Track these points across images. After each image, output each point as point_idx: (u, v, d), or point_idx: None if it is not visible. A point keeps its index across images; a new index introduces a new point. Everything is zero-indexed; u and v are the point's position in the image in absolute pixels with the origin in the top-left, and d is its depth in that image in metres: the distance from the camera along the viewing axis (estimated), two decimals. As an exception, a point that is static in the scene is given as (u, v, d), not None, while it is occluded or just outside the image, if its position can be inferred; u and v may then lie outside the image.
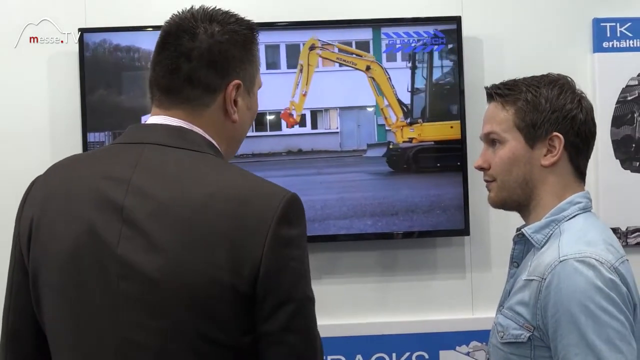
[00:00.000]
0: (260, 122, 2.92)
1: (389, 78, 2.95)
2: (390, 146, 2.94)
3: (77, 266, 1.31)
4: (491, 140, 1.73)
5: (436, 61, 2.94)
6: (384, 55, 2.94)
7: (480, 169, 1.75)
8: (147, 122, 1.42)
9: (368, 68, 2.94)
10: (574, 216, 1.65)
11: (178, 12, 1.43)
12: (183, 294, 1.25)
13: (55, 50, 2.91)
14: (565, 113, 1.66)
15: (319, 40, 2.93)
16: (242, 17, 1.46)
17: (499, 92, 1.71)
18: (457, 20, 2.93)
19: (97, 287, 1.30)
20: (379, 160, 2.95)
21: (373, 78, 2.95)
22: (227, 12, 1.44)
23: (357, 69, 2.94)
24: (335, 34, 2.94)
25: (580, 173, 1.71)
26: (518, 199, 1.71)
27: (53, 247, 1.34)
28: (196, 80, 1.38)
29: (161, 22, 1.44)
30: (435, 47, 2.93)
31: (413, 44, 2.93)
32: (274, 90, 2.89)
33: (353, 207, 2.94)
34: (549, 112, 1.66)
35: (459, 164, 2.92)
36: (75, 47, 2.85)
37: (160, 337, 1.27)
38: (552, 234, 1.64)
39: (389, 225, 2.94)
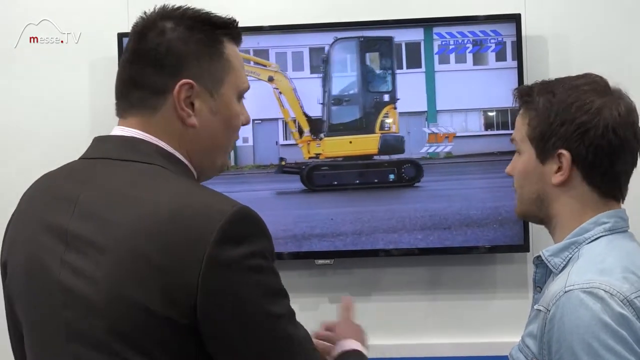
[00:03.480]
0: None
1: (294, 89, 2.76)
2: (283, 162, 2.77)
3: (31, 294, 1.28)
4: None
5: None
6: (436, 57, 2.74)
7: (510, 175, 1.59)
8: (108, 134, 1.35)
9: (271, 79, 2.76)
10: (596, 238, 1.45)
11: (145, 12, 1.33)
12: (118, 324, 1.16)
13: (95, 54, 2.88)
14: (575, 127, 1.43)
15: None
16: (218, 15, 1.33)
17: (520, 96, 1.54)
18: (516, 18, 2.71)
19: (47, 315, 1.24)
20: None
21: (278, 89, 2.77)
22: (193, 11, 1.31)
23: (260, 79, 2.76)
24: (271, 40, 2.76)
25: (604, 191, 1.48)
26: (536, 215, 1.55)
27: (14, 272, 1.32)
28: (140, 82, 1.28)
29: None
30: (493, 47, 2.72)
31: (468, 45, 2.72)
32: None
33: (402, 219, 2.76)
34: (558, 124, 1.45)
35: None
36: (115, 52, 2.79)
37: None
38: (571, 257, 1.46)
39: (441, 239, 2.74)
